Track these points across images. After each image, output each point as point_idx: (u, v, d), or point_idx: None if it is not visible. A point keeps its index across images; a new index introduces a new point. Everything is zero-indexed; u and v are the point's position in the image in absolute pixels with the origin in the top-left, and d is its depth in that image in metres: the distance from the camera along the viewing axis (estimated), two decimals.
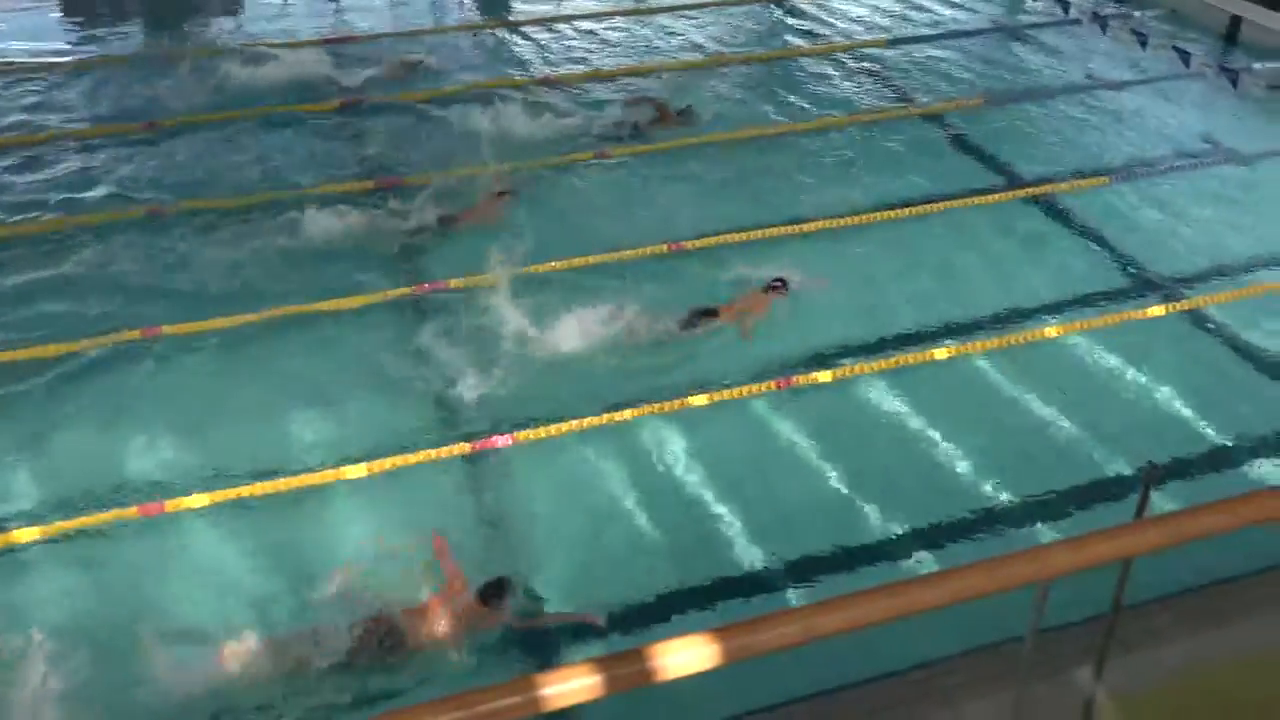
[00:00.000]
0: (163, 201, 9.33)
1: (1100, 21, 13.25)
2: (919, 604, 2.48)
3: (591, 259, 8.57)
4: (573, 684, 2.28)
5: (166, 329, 7.69)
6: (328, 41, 12.67)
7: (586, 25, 13.63)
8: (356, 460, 6.57)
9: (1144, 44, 12.13)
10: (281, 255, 8.55)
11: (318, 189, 9.48)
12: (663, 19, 13.88)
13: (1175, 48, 12.18)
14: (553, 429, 6.84)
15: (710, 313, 7.85)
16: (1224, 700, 4.40)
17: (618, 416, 6.95)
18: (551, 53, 12.77)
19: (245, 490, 6.34)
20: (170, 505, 6.24)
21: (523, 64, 12.51)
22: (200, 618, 5.57)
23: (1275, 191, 10.02)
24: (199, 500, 6.27)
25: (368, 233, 8.85)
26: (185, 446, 6.78)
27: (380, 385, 7.31)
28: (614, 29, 13.54)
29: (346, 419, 7.01)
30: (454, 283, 8.24)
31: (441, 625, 5.40)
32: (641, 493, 6.46)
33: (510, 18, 14.02)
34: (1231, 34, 13.38)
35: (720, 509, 6.32)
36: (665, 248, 8.74)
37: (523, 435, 6.79)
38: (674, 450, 6.78)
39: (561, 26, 13.54)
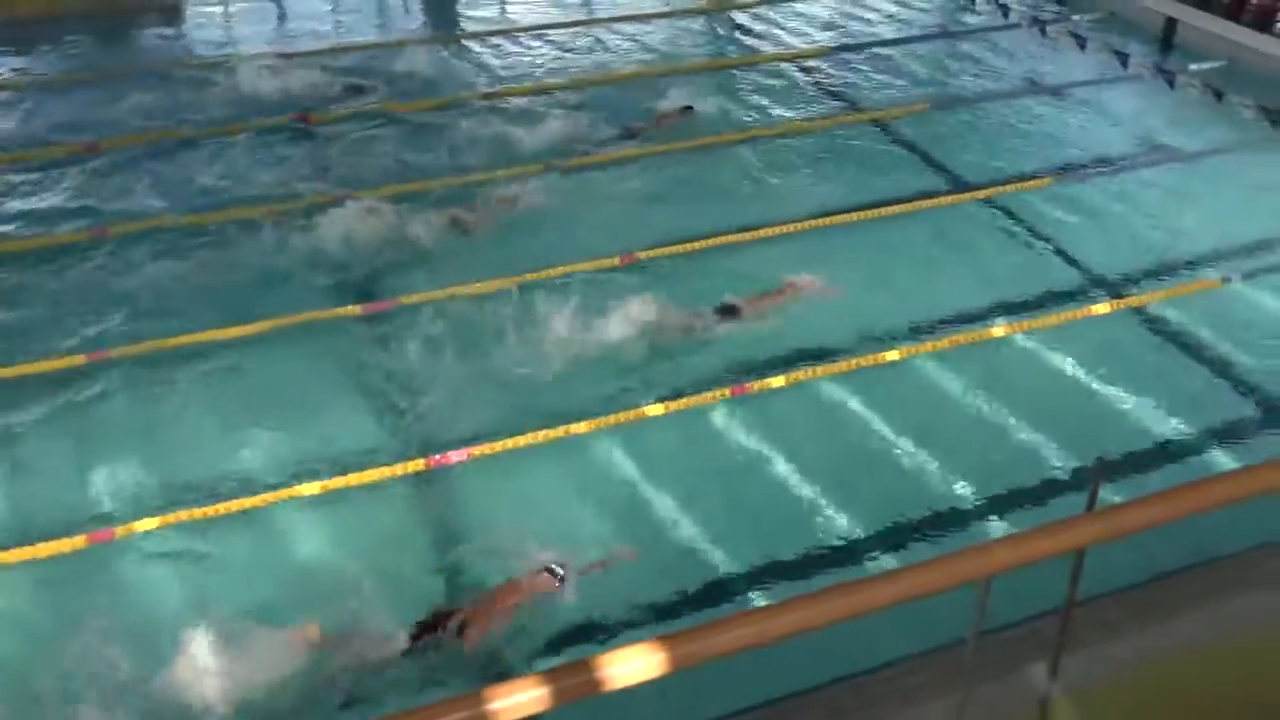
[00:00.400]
0: (104, 222, 9.21)
1: (1039, 25, 13.46)
2: (869, 603, 2.50)
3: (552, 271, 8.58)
4: (521, 697, 2.27)
5: (114, 352, 7.60)
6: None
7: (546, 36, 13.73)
8: (311, 477, 6.52)
9: (1083, 47, 12.35)
10: (232, 273, 8.50)
11: (269, 203, 9.43)
12: (625, 27, 13.98)
13: (1113, 50, 12.40)
14: (509, 442, 6.81)
15: (732, 309, 8.02)
16: (1176, 693, 4.47)
17: (574, 429, 6.93)
18: (528, 62, 12.84)
19: (198, 512, 6.26)
20: (121, 531, 6.15)
21: (508, 74, 12.58)
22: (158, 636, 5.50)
23: (1214, 189, 10.19)
24: (149, 524, 6.18)
25: (336, 245, 8.81)
26: (135, 470, 6.69)
27: (338, 402, 7.27)
28: (566, 39, 13.60)
29: (301, 437, 6.95)
30: (406, 299, 8.22)
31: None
32: (605, 503, 6.47)
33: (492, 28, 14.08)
34: (1167, 36, 13.67)
35: (681, 518, 6.32)
36: (618, 260, 8.76)
37: (479, 450, 6.77)
38: (632, 461, 6.79)
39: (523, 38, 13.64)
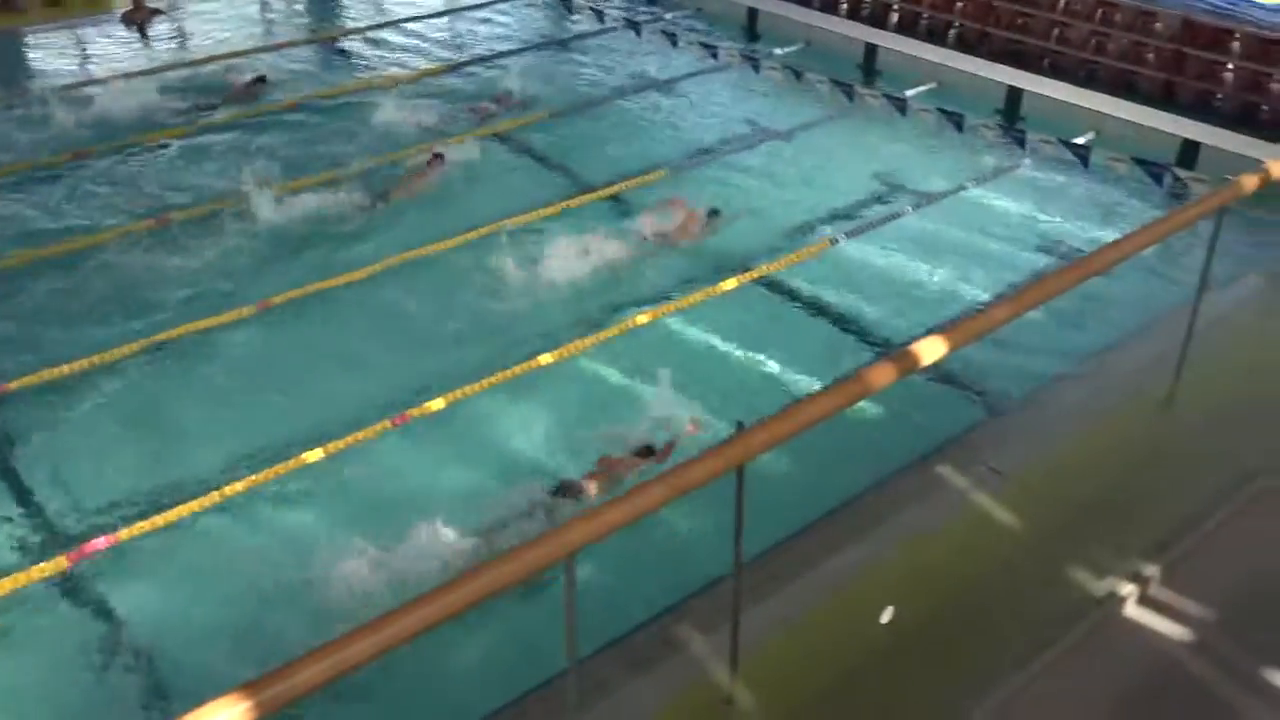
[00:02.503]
0: None
1: (634, 27, 14.13)
2: (455, 606, 2.44)
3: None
4: None
5: None
6: None
7: None
8: None
9: (675, 43, 13.08)
10: None
11: None
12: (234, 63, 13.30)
13: (703, 43, 13.21)
14: (160, 519, 6.32)
15: (661, 234, 9.30)
16: (848, 622, 4.80)
17: (229, 490, 6.53)
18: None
19: None
20: None
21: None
22: None
23: (810, 160, 11.10)
24: None
25: None
26: None
27: None
28: None
29: None
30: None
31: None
32: (266, 566, 6.09)
33: None
34: (750, 26, 14.78)
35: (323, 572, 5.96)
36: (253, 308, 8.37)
37: (126, 533, 6.23)
38: (294, 512, 6.52)
39: None
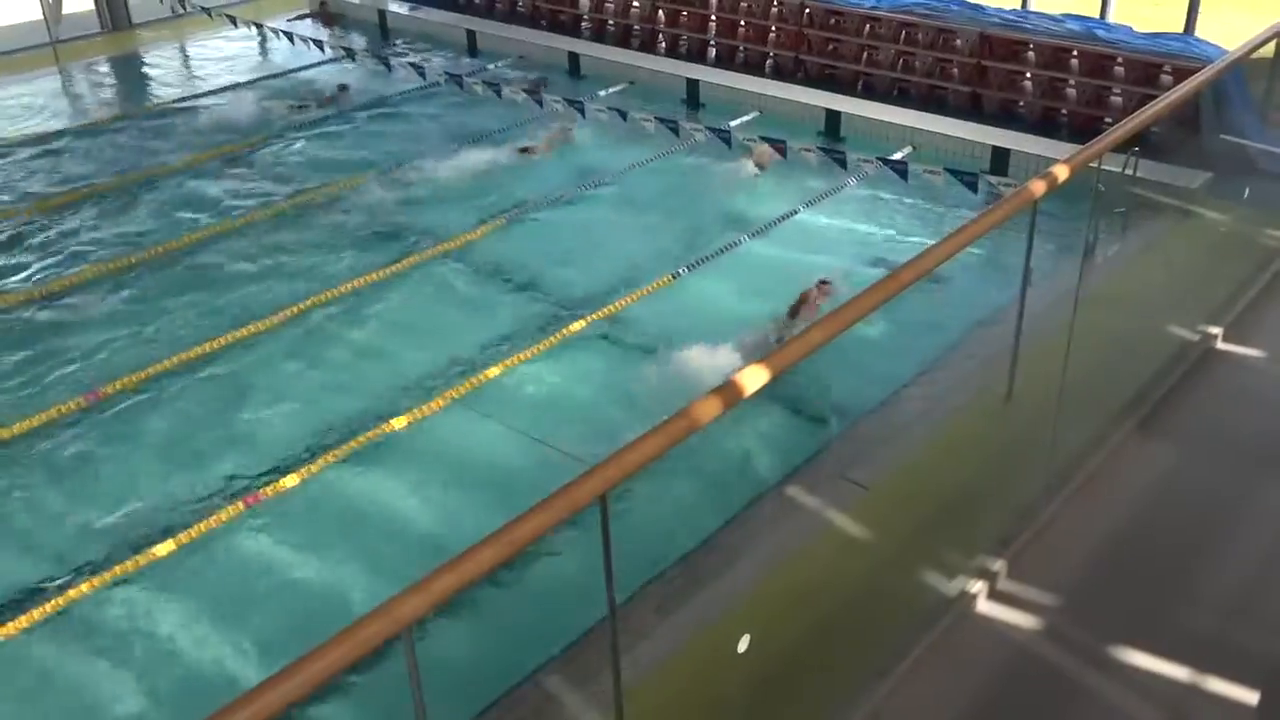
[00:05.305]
0: None
1: (457, 80, 14.28)
2: (286, 699, 2.32)
3: None
4: None
5: None
6: None
7: None
8: None
9: (499, 94, 13.19)
10: None
11: None
12: None
13: (526, 90, 13.31)
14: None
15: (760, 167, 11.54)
16: (726, 659, 4.82)
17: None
18: None
19: None
20: None
21: None
22: None
23: (651, 200, 11.23)
24: None
25: None
26: None
27: None
28: None
29: None
30: None
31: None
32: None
33: None
34: (573, 70, 15.00)
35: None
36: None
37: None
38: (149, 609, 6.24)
39: None
